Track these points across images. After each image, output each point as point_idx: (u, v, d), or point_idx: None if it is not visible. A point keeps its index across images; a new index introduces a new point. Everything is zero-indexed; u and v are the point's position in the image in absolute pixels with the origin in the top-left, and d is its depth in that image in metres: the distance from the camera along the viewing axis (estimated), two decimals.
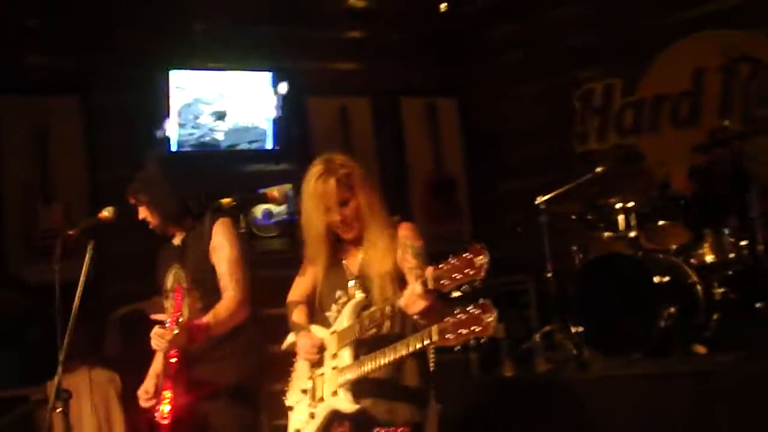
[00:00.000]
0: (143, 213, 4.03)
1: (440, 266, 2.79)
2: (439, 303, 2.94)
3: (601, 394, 5.05)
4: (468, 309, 2.73)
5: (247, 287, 3.81)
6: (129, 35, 6.55)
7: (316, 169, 3.36)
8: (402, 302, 2.94)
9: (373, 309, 3.20)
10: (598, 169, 5.96)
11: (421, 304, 2.89)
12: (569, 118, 7.81)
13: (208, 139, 6.93)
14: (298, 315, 3.60)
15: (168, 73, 6.73)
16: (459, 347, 2.76)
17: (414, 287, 2.89)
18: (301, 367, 3.53)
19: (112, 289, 6.09)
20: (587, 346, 5.55)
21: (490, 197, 8.32)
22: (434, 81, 8.23)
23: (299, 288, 3.68)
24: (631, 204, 5.78)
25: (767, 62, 6.63)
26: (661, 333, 5.27)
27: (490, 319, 2.68)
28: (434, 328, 2.83)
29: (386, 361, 3.08)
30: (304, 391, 3.44)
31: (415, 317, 2.98)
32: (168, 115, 6.72)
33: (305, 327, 3.51)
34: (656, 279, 5.35)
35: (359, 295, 3.36)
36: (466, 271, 2.71)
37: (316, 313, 3.56)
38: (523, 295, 6.72)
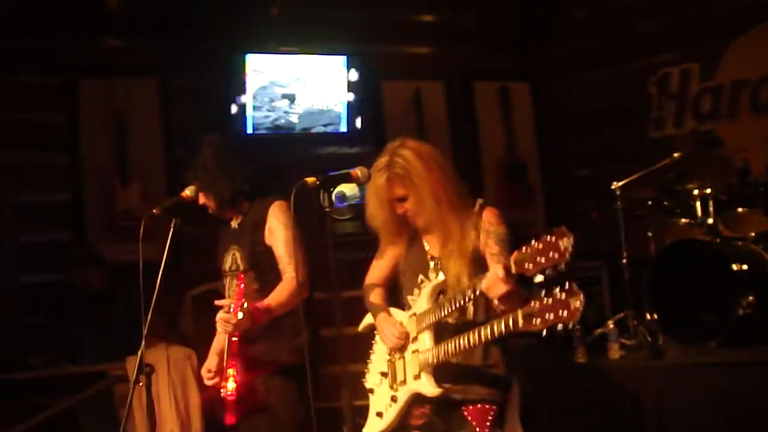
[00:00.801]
0: (201, 199, 4.05)
1: (523, 250, 2.72)
2: (522, 289, 2.89)
3: (675, 381, 4.98)
4: (554, 293, 2.65)
5: (306, 268, 3.83)
6: (206, 18, 6.63)
7: (380, 160, 3.32)
8: (483, 285, 2.88)
9: (452, 293, 3.15)
10: (676, 155, 5.86)
11: (502, 288, 2.82)
12: (645, 104, 7.69)
13: (282, 122, 7.00)
14: (375, 296, 3.57)
15: (245, 56, 6.80)
16: (545, 332, 2.68)
17: (496, 270, 2.82)
18: (379, 350, 3.51)
19: (188, 268, 6.19)
20: (662, 334, 5.47)
21: (563, 182, 8.27)
22: (507, 65, 8.19)
23: (377, 270, 3.64)
24: (708, 190, 5.68)
25: None
26: (738, 321, 5.18)
27: (578, 304, 2.60)
28: (519, 312, 2.76)
29: (468, 344, 3.03)
30: (384, 374, 3.43)
31: (496, 302, 2.92)
32: (244, 98, 6.79)
33: (384, 308, 3.48)
34: (734, 267, 5.26)
35: (438, 278, 3.32)
36: (550, 254, 2.64)
37: (397, 295, 3.52)
38: (596, 281, 6.65)
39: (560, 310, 2.62)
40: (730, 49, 7.04)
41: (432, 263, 3.38)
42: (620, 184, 5.94)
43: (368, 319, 3.60)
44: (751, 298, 5.19)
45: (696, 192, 5.70)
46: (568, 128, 8.18)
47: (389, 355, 3.41)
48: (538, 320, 2.67)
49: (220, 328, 3.69)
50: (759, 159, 6.14)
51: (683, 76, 7.43)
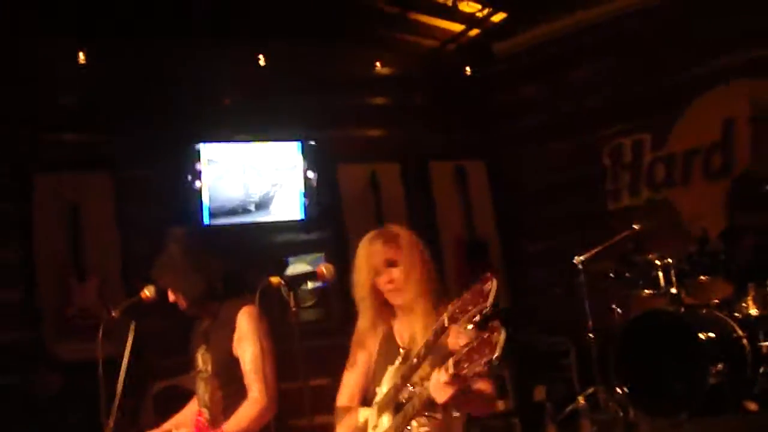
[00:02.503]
0: (171, 297, 3.90)
1: (461, 352, 2.74)
2: (470, 390, 2.92)
3: None
4: (479, 336, 2.68)
5: (272, 386, 3.68)
6: (159, 110, 6.60)
7: (368, 234, 3.41)
8: (431, 391, 2.87)
9: (407, 368, 3.14)
10: (636, 226, 5.88)
11: (447, 392, 2.81)
12: (599, 176, 7.76)
13: (239, 210, 6.94)
14: (344, 428, 3.44)
15: (198, 146, 6.78)
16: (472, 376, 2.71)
17: (439, 375, 2.82)
18: None
19: (146, 365, 6.03)
20: (633, 407, 5.41)
21: (523, 257, 8.26)
22: (462, 144, 8.24)
23: (348, 386, 3.53)
24: (669, 260, 5.68)
25: None
26: (709, 391, 5.13)
27: (500, 338, 2.60)
28: (450, 361, 2.76)
29: (414, 409, 3.00)
30: None
31: (445, 407, 2.94)
32: (199, 189, 6.74)
33: None
34: (701, 335, 5.23)
35: (398, 362, 3.28)
36: (485, 350, 2.65)
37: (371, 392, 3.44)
38: (564, 356, 6.60)
39: (485, 349, 2.63)
40: (682, 116, 7.14)
41: (402, 351, 3.32)
42: (582, 258, 5.94)
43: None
44: (720, 366, 5.15)
45: (657, 262, 5.70)
46: (525, 203, 8.22)
47: None
48: (467, 365, 2.69)
49: None
50: (715, 226, 6.18)
51: (636, 146, 7.52)
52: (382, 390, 3.26)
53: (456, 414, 2.96)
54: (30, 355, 6.08)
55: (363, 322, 3.46)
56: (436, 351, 3.03)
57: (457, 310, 2.82)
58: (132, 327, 3.73)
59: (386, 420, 3.17)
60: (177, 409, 4.79)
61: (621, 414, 5.47)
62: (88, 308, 6.27)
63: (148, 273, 3.94)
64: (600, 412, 5.62)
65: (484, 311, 2.71)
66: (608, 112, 7.65)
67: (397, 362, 3.29)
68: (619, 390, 5.56)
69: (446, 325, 2.85)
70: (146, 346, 5.82)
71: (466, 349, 2.70)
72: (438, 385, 2.81)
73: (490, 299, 2.70)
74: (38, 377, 5.87)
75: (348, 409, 3.46)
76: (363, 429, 3.30)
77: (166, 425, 3.96)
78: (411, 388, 3.13)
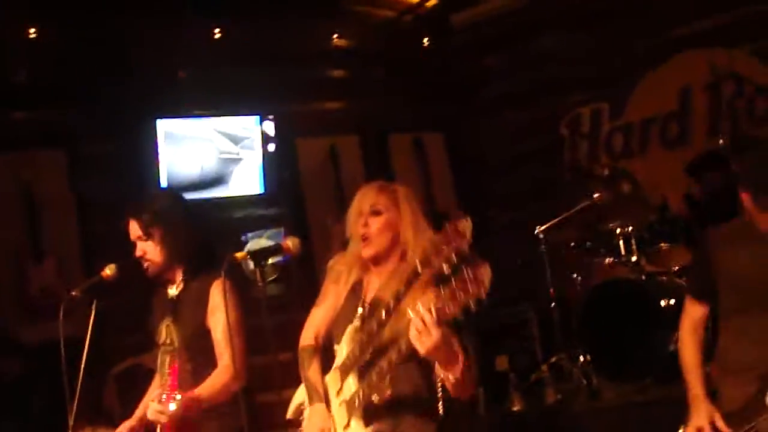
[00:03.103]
0: (145, 249, 3.76)
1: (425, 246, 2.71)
2: (453, 337, 2.70)
3: (614, 422, 4.97)
4: (461, 272, 2.52)
5: (243, 356, 3.61)
6: (114, 86, 6.47)
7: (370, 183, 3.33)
8: (412, 337, 2.65)
9: (368, 331, 3.00)
10: (596, 196, 5.90)
11: (433, 336, 2.60)
12: (558, 146, 7.79)
13: (197, 186, 6.86)
14: (313, 370, 3.28)
15: (155, 121, 6.68)
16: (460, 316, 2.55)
17: (420, 316, 2.60)
18: (313, 413, 3.18)
19: (108, 344, 5.97)
20: (596, 375, 5.46)
21: (484, 229, 8.25)
22: (421, 116, 8.20)
23: (314, 324, 3.39)
24: (630, 228, 5.72)
25: (753, 80, 6.65)
26: (671, 357, 5.18)
27: (486, 272, 2.49)
28: (432, 306, 2.57)
29: (388, 365, 2.82)
30: None
31: (429, 357, 2.70)
32: (157, 164, 6.65)
33: (319, 397, 3.18)
34: (662, 302, 5.29)
35: (356, 322, 3.14)
36: (453, 242, 2.61)
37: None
38: (525, 325, 6.63)
39: (470, 286, 2.49)
40: (639, 85, 7.18)
41: (360, 309, 3.19)
42: (543, 228, 5.96)
43: (299, 396, 3.37)
44: None
45: (618, 231, 5.74)
46: (485, 174, 8.22)
47: None
48: (451, 305, 2.53)
49: (152, 417, 3.48)
50: (674, 194, 6.24)
51: (594, 115, 7.55)
52: (342, 352, 3.12)
53: (440, 373, 2.73)
54: None
55: (346, 256, 3.33)
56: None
57: (428, 254, 2.68)
58: (93, 306, 3.66)
59: (352, 382, 3.04)
60: (139, 388, 4.74)
61: (585, 381, 5.52)
62: (47, 289, 6.18)
63: (109, 247, 3.89)
64: (564, 380, 5.66)
65: (461, 251, 2.57)
66: (567, 82, 7.67)
67: (356, 321, 3.15)
68: (582, 358, 5.61)
69: (419, 270, 2.71)
70: (107, 325, 5.83)
71: (452, 289, 2.52)
72: (421, 329, 2.60)
73: (468, 236, 2.60)
74: None
75: (313, 349, 3.32)
76: (325, 390, 3.17)
77: (138, 413, 3.90)
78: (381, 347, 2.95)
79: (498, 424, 5.53)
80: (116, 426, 5.22)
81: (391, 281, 3.08)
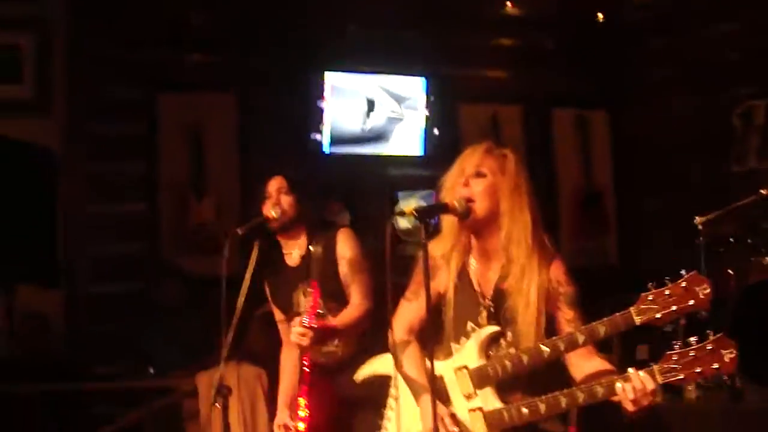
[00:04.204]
0: (285, 201, 3.94)
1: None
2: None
3: (754, 426, 4.81)
4: (696, 344, 2.46)
5: (372, 295, 3.82)
6: (286, 35, 6.64)
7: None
8: (626, 395, 2.52)
9: (516, 352, 2.77)
10: (763, 191, 5.67)
11: (648, 399, 2.51)
12: (727, 136, 7.51)
13: (359, 141, 6.97)
14: (411, 364, 3.00)
15: (323, 74, 6.80)
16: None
17: (643, 380, 2.49)
18: (426, 408, 2.85)
19: (253, 285, 6.17)
20: (741, 376, 5.29)
21: (639, 213, 8.10)
22: (587, 91, 8.05)
23: (406, 319, 3.10)
24: None
25: None
26: None
27: (732, 356, 2.43)
28: (656, 369, 2.49)
29: (571, 402, 2.66)
30: None
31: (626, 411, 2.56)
32: (321, 116, 6.79)
33: (426, 389, 2.87)
34: None
35: (490, 327, 2.90)
36: (684, 302, 2.51)
37: (439, 340, 3.02)
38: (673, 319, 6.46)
39: (711, 362, 2.44)
40: None
41: (483, 307, 2.94)
42: (703, 219, 5.77)
43: (375, 366, 3.23)
44: None
45: None
46: (647, 158, 8.02)
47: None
48: (682, 375, 2.48)
49: (295, 338, 3.61)
50: None
51: None
52: (470, 351, 2.87)
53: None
54: (151, 266, 6.30)
55: (439, 245, 3.02)
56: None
57: (653, 306, 2.53)
58: (256, 245, 3.79)
59: (493, 398, 2.81)
60: (275, 334, 4.88)
61: (728, 381, 5.35)
62: (205, 224, 6.44)
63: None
64: (706, 377, 5.49)
65: (698, 315, 2.50)
66: (742, 71, 7.36)
67: (481, 320, 2.92)
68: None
69: (636, 322, 2.54)
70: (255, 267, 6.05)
71: (686, 357, 2.45)
72: (640, 391, 2.50)
73: (708, 305, 2.49)
74: (163, 287, 6.08)
75: (407, 345, 3.06)
76: (441, 387, 2.89)
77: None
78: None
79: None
80: (257, 363, 5.47)
81: (528, 279, 2.86)
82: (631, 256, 7.92)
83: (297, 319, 3.67)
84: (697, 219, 5.77)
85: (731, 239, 5.90)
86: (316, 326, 3.56)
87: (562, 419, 2.90)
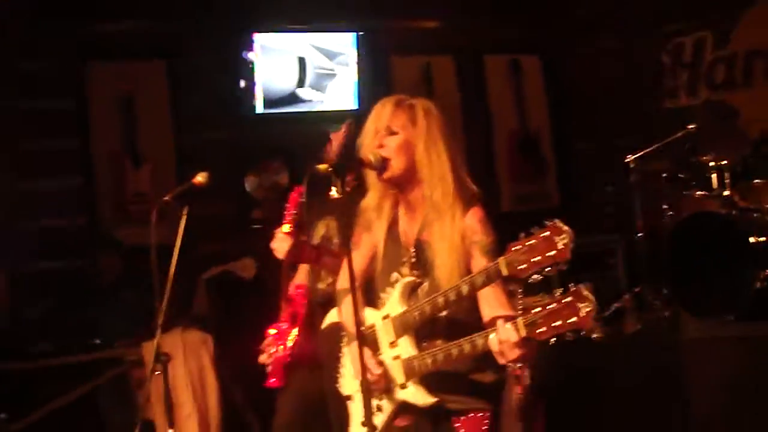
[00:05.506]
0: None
1: (516, 248, 2.43)
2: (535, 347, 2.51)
3: (692, 355, 4.95)
4: (557, 296, 2.37)
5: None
6: None
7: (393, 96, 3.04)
8: (493, 347, 2.54)
9: (437, 296, 2.76)
10: (691, 127, 5.79)
11: (515, 353, 2.49)
12: (657, 74, 7.61)
13: (291, 100, 6.95)
14: (347, 314, 3.08)
15: (252, 35, 6.76)
16: (552, 341, 2.40)
17: (507, 333, 2.48)
18: (354, 353, 2.95)
19: (199, 251, 6.18)
20: (678, 308, 5.43)
21: (575, 154, 8.21)
22: (517, 38, 8.09)
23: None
24: (724, 162, 5.59)
25: None
26: (755, 295, 5.13)
27: (588, 309, 2.32)
28: (520, 321, 2.45)
29: (461, 353, 2.70)
30: None
31: (502, 361, 2.55)
32: (253, 78, 6.76)
33: (352, 335, 2.98)
34: (751, 239, 5.20)
35: (409, 277, 2.95)
36: (547, 253, 2.36)
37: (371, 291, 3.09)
38: (611, 254, 6.60)
39: (569, 317, 2.34)
40: (746, 15, 6.94)
41: (406, 258, 2.99)
42: (634, 156, 5.88)
43: (332, 316, 3.31)
44: (767, 271, 5.13)
45: (712, 164, 5.61)
46: (580, 99, 8.10)
47: None
48: (545, 329, 2.40)
49: (275, 245, 3.67)
50: None
51: (697, 44, 7.34)
52: (394, 301, 2.92)
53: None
54: (90, 240, 6.27)
55: (367, 199, 3.07)
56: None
57: (519, 257, 2.44)
58: (184, 212, 3.79)
59: (410, 346, 2.87)
60: (229, 295, 4.90)
61: (666, 313, 5.50)
62: (142, 193, 6.41)
63: (203, 156, 4.02)
64: (645, 310, 5.64)
65: (558, 268, 2.36)
66: (670, 8, 7.44)
67: (404, 270, 2.98)
68: (665, 290, 5.58)
69: (503, 273, 2.49)
70: (196, 233, 6.03)
71: (545, 310, 2.39)
72: (507, 344, 2.48)
73: (567, 254, 2.33)
74: (99, 259, 6.05)
75: (347, 292, 3.03)
76: (372, 335, 2.97)
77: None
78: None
79: (574, 350, 5.55)
80: (205, 328, 5.49)
81: (449, 225, 2.87)
82: (572, 196, 8.03)
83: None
84: (629, 157, 5.89)
85: (664, 175, 6.01)
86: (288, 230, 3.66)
87: (494, 369, 2.89)
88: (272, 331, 3.93)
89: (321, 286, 3.95)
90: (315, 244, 3.83)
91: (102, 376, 5.13)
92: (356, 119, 6.90)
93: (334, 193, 3.67)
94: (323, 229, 4.01)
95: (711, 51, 7.23)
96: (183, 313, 5.60)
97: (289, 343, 3.82)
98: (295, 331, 3.82)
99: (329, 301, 3.71)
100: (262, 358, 3.95)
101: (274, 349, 3.86)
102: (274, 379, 3.86)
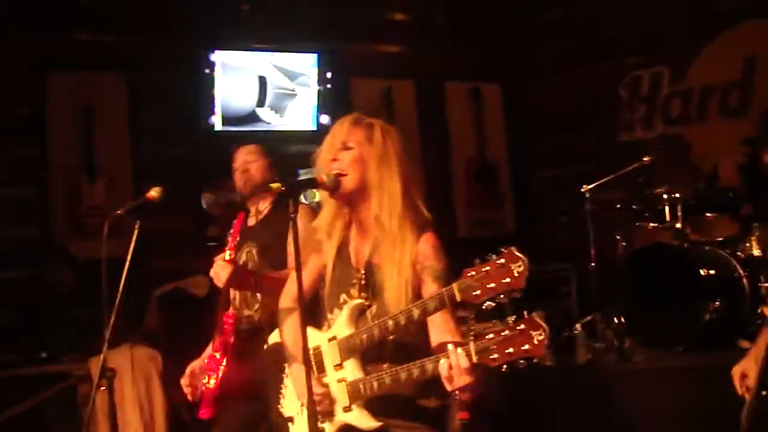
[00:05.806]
0: (253, 169, 4.21)
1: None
2: (484, 374, 2.47)
3: (642, 385, 5.00)
4: (511, 323, 2.35)
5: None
6: (176, 14, 6.54)
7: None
8: (442, 372, 2.48)
9: (386, 320, 2.71)
10: (646, 159, 5.86)
11: (465, 379, 2.44)
12: (615, 107, 7.72)
13: (251, 119, 6.94)
14: (289, 332, 3.04)
15: (213, 53, 6.75)
16: (504, 368, 2.37)
17: (459, 358, 2.43)
18: (296, 374, 2.96)
19: (153, 266, 6.12)
20: (629, 338, 5.48)
21: (533, 183, 8.28)
22: (479, 65, 8.16)
23: (292, 287, 3.10)
24: (677, 195, 5.67)
25: None
26: (705, 327, 5.19)
27: (541, 338, 2.29)
28: (472, 347, 2.41)
29: (409, 378, 2.64)
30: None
31: (450, 389, 2.51)
32: (213, 95, 6.73)
33: (294, 357, 2.97)
34: (702, 271, 5.27)
35: (357, 300, 2.91)
36: (502, 280, 2.34)
37: (316, 309, 3.05)
38: (564, 283, 6.65)
39: (522, 344, 2.32)
40: (702, 52, 7.07)
41: (355, 280, 2.96)
42: (590, 187, 5.94)
43: (275, 336, 3.23)
44: (717, 303, 5.20)
45: (665, 196, 5.69)
46: (539, 129, 8.19)
47: None
48: (496, 356, 2.36)
49: (214, 274, 3.68)
50: (727, 164, 6.16)
51: (654, 79, 7.46)
52: (341, 323, 2.88)
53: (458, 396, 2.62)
54: (43, 251, 6.18)
55: (320, 218, 3.05)
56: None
57: (474, 282, 2.41)
58: (136, 226, 3.75)
59: (356, 369, 2.83)
60: (179, 311, 4.84)
61: (617, 343, 5.54)
62: (97, 207, 6.34)
63: (159, 172, 4.02)
64: (596, 339, 5.68)
65: (512, 295, 2.34)
66: (628, 43, 7.56)
67: (353, 292, 2.94)
68: (616, 319, 5.62)
69: (457, 299, 2.46)
70: (150, 249, 5.98)
71: (498, 336, 2.35)
72: (458, 370, 2.44)
73: (522, 283, 2.31)
74: (52, 272, 5.97)
75: (290, 313, 3.07)
76: (317, 357, 2.91)
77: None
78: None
79: (527, 377, 5.57)
80: (155, 344, 5.43)
81: (400, 248, 2.83)
82: (527, 224, 8.09)
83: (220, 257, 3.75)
84: (584, 187, 5.95)
85: (618, 206, 6.08)
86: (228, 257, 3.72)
87: (439, 394, 2.85)
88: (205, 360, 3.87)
89: (247, 312, 3.93)
90: (253, 270, 3.83)
91: (48, 391, 5.04)
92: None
93: (252, 220, 3.90)
94: (244, 256, 4.00)
95: (668, 85, 7.35)
96: (133, 329, 5.54)
97: (220, 374, 3.76)
98: (224, 362, 3.77)
99: (257, 329, 3.79)
100: (186, 390, 3.89)
101: (206, 379, 3.79)
102: (204, 411, 3.78)
